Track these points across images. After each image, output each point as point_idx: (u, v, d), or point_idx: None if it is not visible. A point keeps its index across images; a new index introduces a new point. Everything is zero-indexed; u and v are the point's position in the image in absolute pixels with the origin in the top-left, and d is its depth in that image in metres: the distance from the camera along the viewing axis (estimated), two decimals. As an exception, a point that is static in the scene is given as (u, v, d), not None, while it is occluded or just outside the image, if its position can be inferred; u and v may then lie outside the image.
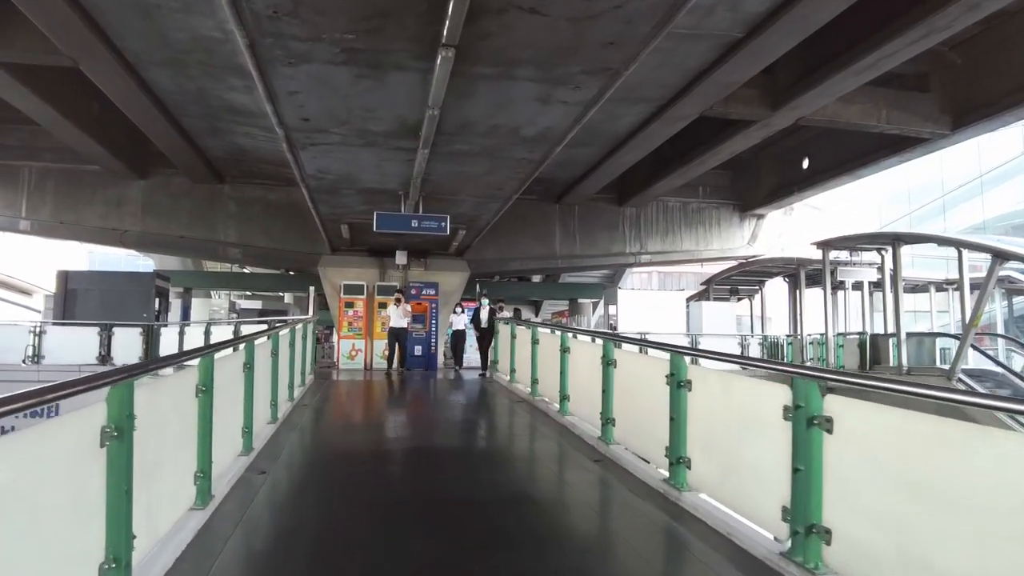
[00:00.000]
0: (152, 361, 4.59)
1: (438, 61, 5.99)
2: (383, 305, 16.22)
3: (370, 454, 6.34)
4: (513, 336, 10.68)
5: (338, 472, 5.63)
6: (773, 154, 18.97)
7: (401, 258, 16.67)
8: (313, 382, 11.23)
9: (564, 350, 7.57)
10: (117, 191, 17.50)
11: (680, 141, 14.45)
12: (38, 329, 15.76)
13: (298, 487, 5.23)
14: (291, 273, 22.97)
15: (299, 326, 9.29)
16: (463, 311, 14.56)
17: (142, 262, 28.02)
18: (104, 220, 17.44)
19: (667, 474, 4.89)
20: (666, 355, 5.07)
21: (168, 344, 15.36)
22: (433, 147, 8.57)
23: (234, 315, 26.49)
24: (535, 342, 9.09)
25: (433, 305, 16.14)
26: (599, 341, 7.01)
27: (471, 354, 16.35)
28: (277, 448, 6.17)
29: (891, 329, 17.20)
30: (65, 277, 16.60)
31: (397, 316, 13.79)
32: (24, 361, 15.09)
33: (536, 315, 33.73)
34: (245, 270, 28.71)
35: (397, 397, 11.00)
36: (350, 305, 16.08)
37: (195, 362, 4.20)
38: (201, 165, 16.03)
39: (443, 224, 11.40)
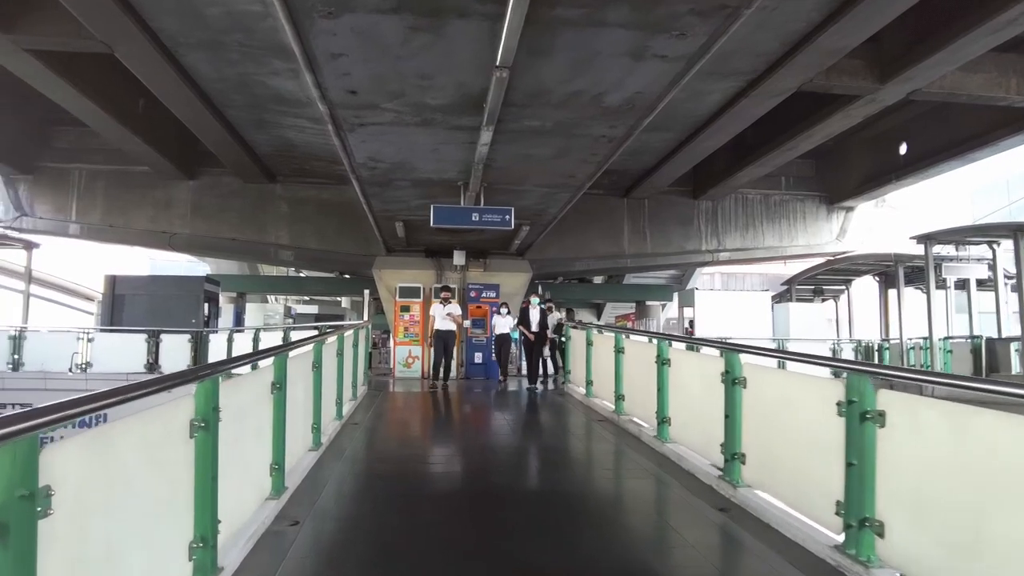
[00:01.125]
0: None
1: (511, 1, 4.72)
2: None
3: (430, 497, 5.09)
4: (589, 343, 9.33)
5: (388, 522, 4.40)
6: (865, 139, 17.13)
7: (459, 258, 15.50)
8: (366, 395, 10.12)
9: (662, 362, 6.20)
10: (166, 192, 16.90)
11: (765, 125, 12.94)
12: (86, 336, 15.14)
13: (340, 543, 4.02)
14: (346, 276, 22.13)
15: (348, 333, 8.16)
16: (508, 312, 13.27)
17: (202, 267, 27.74)
18: (153, 222, 16.85)
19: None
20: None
21: (216, 351, 14.54)
22: (498, 124, 7.31)
23: (289, 320, 25.85)
24: (619, 351, 7.72)
25: (494, 308, 14.92)
26: (706, 350, 5.67)
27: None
28: (317, 485, 5.00)
29: (1011, 332, 15.23)
30: (112, 282, 15.99)
31: (441, 318, 12.08)
32: (71, 370, 14.49)
33: (598, 318, 32.27)
34: (301, 274, 28.23)
35: (457, 417, 9.65)
36: (406, 309, 14.98)
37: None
38: (250, 163, 15.23)
39: (507, 217, 10.14)
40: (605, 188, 16.59)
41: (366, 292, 17.83)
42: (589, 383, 9.35)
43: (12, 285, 21.05)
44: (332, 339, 6.80)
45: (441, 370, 12.09)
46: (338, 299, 33.28)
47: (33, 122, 16.36)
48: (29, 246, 18.42)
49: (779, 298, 20.73)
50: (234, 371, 4.03)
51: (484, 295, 14.92)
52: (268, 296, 30.99)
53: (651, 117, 7.40)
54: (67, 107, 12.68)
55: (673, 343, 6.28)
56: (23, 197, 16.72)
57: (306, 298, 33.47)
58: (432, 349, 12.47)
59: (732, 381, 4.86)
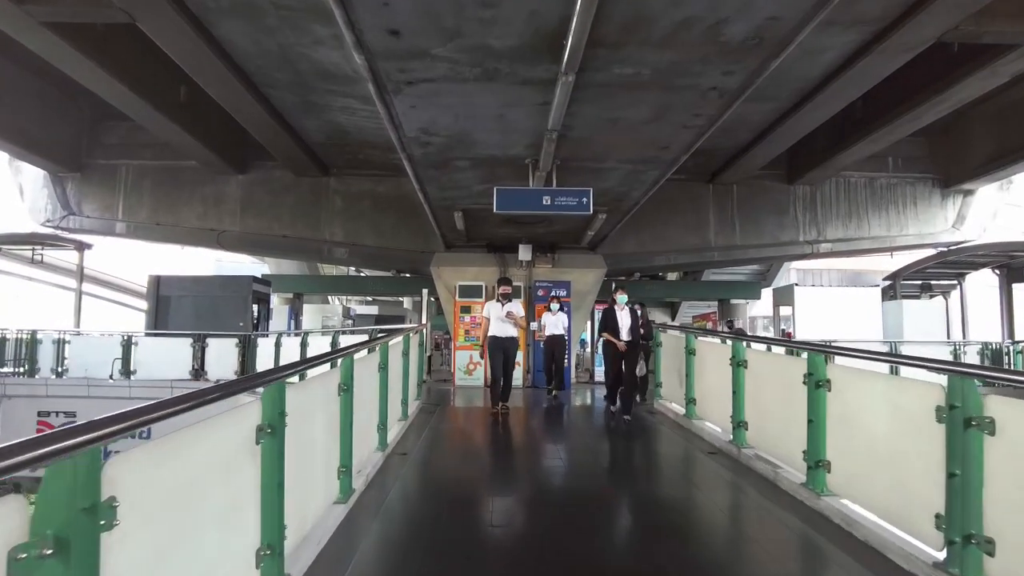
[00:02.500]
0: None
1: None
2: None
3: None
4: (690, 352, 7.60)
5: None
6: (989, 111, 14.78)
7: (525, 253, 13.94)
8: (418, 414, 8.65)
9: (815, 384, 4.47)
10: (215, 188, 15.96)
11: (880, 93, 11.04)
12: (131, 340, 14.26)
13: None
14: (405, 275, 20.87)
15: (395, 341, 6.69)
16: (560, 308, 11.22)
17: (263, 268, 27.04)
18: (202, 220, 15.91)
19: None
20: None
21: (264, 357, 13.42)
22: (581, 75, 5.70)
23: (348, 322, 24.84)
24: (739, 364, 5.99)
25: (564, 309, 13.29)
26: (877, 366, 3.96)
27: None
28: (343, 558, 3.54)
29: None
30: (157, 282, 15.10)
31: (499, 319, 9.17)
32: (111, 377, 13.59)
33: (672, 318, 30.22)
34: (361, 273, 27.22)
35: (524, 447, 7.65)
36: (466, 310, 13.49)
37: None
38: (301, 154, 14.09)
39: (584, 200, 8.50)
40: (688, 172, 14.78)
41: (424, 292, 16.52)
42: (691, 401, 7.63)
43: (68, 284, 20.60)
44: (366, 353, 5.32)
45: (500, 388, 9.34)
46: (400, 299, 32.26)
47: (82, 118, 15.67)
48: (81, 247, 17.84)
49: (885, 295, 18.36)
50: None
51: (554, 293, 13.30)
52: (329, 297, 30.19)
53: (778, 60, 5.65)
54: (100, 92, 11.70)
55: (835, 358, 4.54)
56: (71, 195, 16.01)
57: (368, 298, 32.56)
58: (489, 361, 9.43)
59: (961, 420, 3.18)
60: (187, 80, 11.74)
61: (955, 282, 19.87)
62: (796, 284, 16.83)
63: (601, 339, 8.96)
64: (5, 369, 14.79)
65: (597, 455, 6.90)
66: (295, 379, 3.69)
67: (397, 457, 5.94)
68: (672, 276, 25.74)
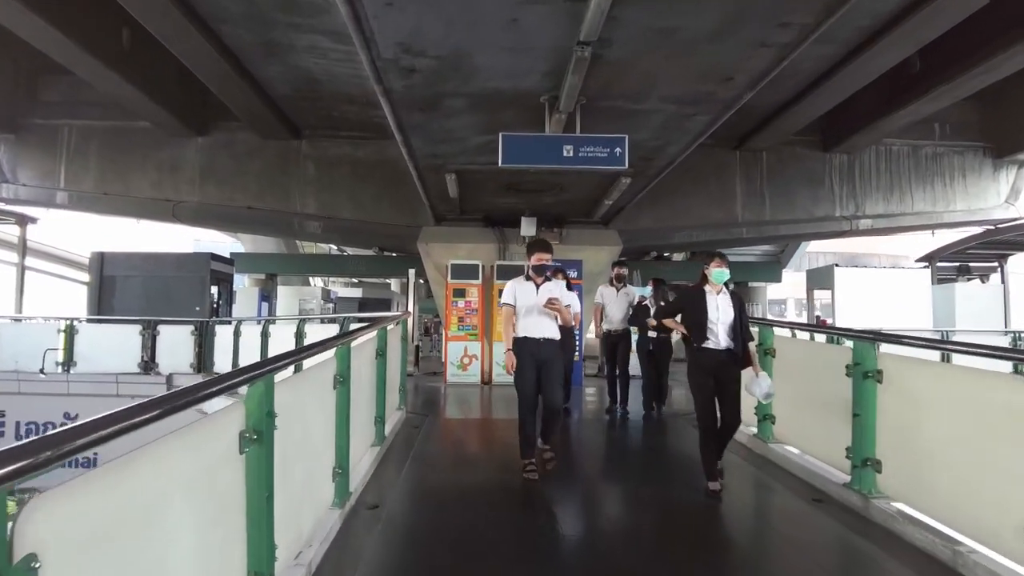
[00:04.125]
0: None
1: None
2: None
3: None
4: (768, 353, 5.66)
5: None
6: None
7: (528, 227, 11.96)
8: (401, 428, 6.64)
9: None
10: (171, 153, 13.88)
11: (939, 45, 9.24)
12: (72, 327, 12.22)
13: None
14: (390, 254, 18.84)
15: (362, 341, 4.69)
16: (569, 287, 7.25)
17: (238, 246, 24.89)
18: (156, 189, 13.83)
19: None
20: None
21: (223, 347, 11.43)
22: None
23: (330, 305, 22.79)
24: (868, 376, 4.07)
25: (576, 292, 11.37)
26: None
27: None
28: None
29: None
30: (100, 260, 13.01)
31: (533, 312, 5.39)
32: (42, 371, 11.56)
33: (677, 303, 28.29)
34: (345, 251, 25.15)
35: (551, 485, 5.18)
36: (460, 293, 11.50)
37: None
38: (266, 111, 12.09)
39: (618, 152, 6.50)
40: (714, 135, 12.72)
41: (411, 272, 14.54)
42: (767, 419, 5.71)
43: (7, 258, 18.43)
44: (323, 358, 3.40)
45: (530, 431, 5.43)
46: (387, 281, 30.21)
47: (17, 71, 13.48)
48: (24, 220, 15.70)
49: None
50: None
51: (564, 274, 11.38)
52: (310, 279, 28.10)
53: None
54: (22, 33, 9.60)
55: None
56: (3, 160, 13.85)
57: (354, 280, 30.50)
58: (517, 375, 5.33)
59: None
60: (130, 22, 9.76)
61: (995, 264, 18.05)
62: (837, 265, 14.95)
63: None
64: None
65: (652, 490, 4.97)
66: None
67: (364, 514, 3.98)
68: (679, 256, 23.86)
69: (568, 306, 5.56)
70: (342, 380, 3.72)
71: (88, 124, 13.86)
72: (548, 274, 5.64)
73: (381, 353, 5.36)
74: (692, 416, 5.61)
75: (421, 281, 15.50)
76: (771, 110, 11.82)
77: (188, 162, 13.89)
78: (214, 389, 2.09)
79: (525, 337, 5.33)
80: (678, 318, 5.33)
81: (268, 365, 2.56)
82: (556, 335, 5.45)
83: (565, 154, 6.41)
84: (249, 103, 11.78)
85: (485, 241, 12.61)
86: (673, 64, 5.76)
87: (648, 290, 7.44)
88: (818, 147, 14.27)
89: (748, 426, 5.88)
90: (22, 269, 15.42)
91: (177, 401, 1.84)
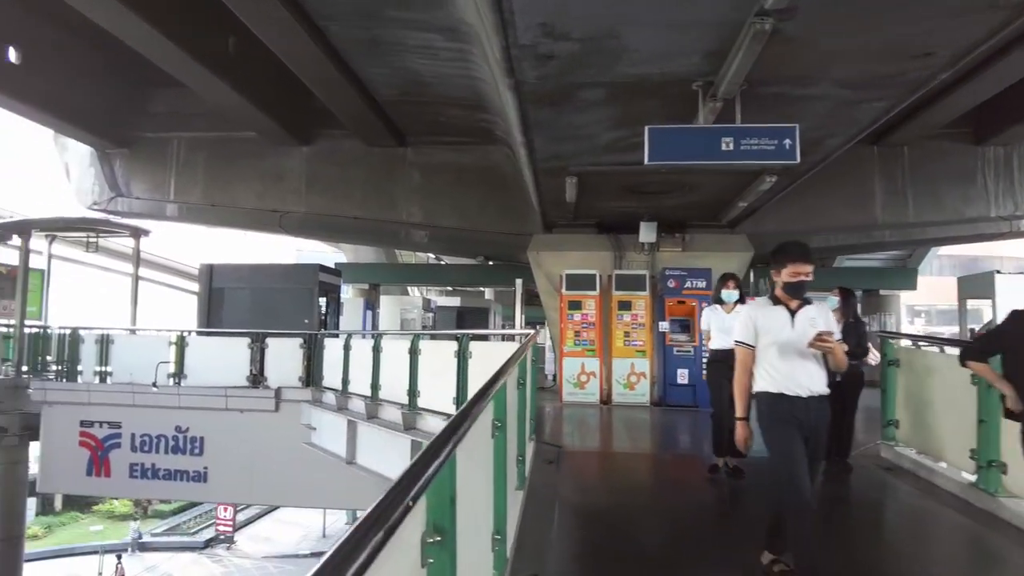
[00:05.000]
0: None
1: None
2: (624, 305, 10.65)
3: None
4: (977, 382, 4.56)
5: None
6: None
7: (647, 233, 11.03)
8: (536, 464, 5.70)
9: None
10: (276, 162, 13.75)
11: None
12: (183, 340, 12.19)
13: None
14: (491, 263, 18.27)
15: (515, 372, 3.89)
16: (739, 298, 5.98)
17: (340, 257, 25.03)
18: (261, 199, 13.72)
19: None
20: None
21: (332, 361, 11.05)
22: None
23: (429, 315, 22.48)
24: None
25: (704, 304, 10.36)
26: None
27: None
28: None
29: None
30: (210, 272, 12.96)
31: (798, 356, 3.59)
32: (155, 384, 11.52)
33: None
34: (441, 260, 24.86)
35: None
36: (576, 306, 10.69)
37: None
38: (371, 115, 11.70)
39: (788, 144, 5.53)
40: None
41: (518, 283, 13.85)
42: (990, 465, 4.60)
43: (121, 268, 18.96)
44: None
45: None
46: (481, 290, 29.78)
47: (128, 86, 13.69)
48: (137, 233, 16.01)
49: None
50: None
51: (689, 285, 10.40)
52: (408, 288, 28.02)
53: None
54: (131, 42, 9.56)
55: None
56: (119, 173, 14.12)
57: (448, 289, 30.28)
58: (774, 450, 3.60)
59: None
60: (235, 29, 9.61)
61: None
62: (998, 271, 13.25)
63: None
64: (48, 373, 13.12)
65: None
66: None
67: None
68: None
69: (840, 341, 3.72)
70: (499, 425, 2.99)
71: (195, 136, 13.94)
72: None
73: (523, 381, 4.62)
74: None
75: (529, 290, 14.84)
76: (921, 99, 10.46)
77: (292, 171, 13.74)
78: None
79: (781, 394, 3.58)
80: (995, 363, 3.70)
81: (451, 437, 1.84)
82: (825, 388, 3.64)
83: (724, 148, 5.49)
84: (354, 108, 11.44)
85: (599, 249, 11.76)
86: (860, 38, 4.77)
87: (833, 301, 6.02)
88: (969, 140, 12.67)
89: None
90: (136, 280, 15.71)
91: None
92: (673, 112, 6.06)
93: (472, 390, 6.93)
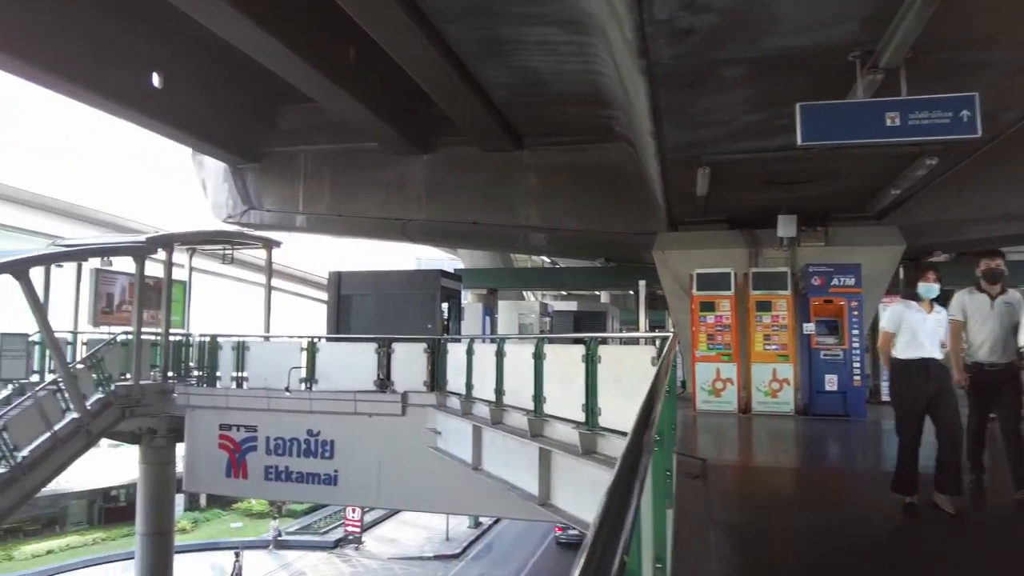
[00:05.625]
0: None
1: None
2: (763, 305, 9.89)
3: None
4: None
5: None
6: None
7: (786, 227, 10.25)
8: (679, 479, 5.06)
9: None
10: (397, 171, 13.98)
11: None
12: (314, 346, 12.54)
13: None
14: (610, 265, 17.77)
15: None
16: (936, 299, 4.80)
17: (469, 262, 25.34)
18: (384, 208, 13.99)
19: None
20: None
21: (455, 366, 10.99)
22: None
23: (547, 319, 22.25)
24: None
25: (854, 303, 9.45)
26: None
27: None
28: None
29: None
30: (338, 280, 13.26)
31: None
32: (287, 389, 11.88)
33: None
34: (557, 263, 24.63)
35: None
36: (708, 307, 10.07)
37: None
38: (488, 119, 11.63)
39: (965, 116, 4.79)
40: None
41: (641, 284, 13.36)
42: None
43: (252, 279, 19.96)
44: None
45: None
46: (596, 293, 29.28)
47: (257, 103, 14.36)
48: (269, 245, 16.76)
49: None
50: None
51: (836, 282, 9.53)
52: (524, 292, 27.96)
53: None
54: (259, 57, 9.95)
55: None
56: (251, 187, 14.82)
57: (563, 293, 29.98)
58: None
59: None
60: (355, 39, 9.84)
61: None
62: None
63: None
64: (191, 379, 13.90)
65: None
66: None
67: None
68: (942, 256, 20.24)
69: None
70: (659, 440, 2.62)
71: (321, 149, 14.43)
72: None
73: (671, 389, 4.22)
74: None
75: (630, 292, 14.28)
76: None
77: (412, 180, 13.92)
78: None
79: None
80: None
81: (633, 479, 1.52)
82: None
83: (888, 123, 4.85)
84: (472, 111, 11.41)
85: (732, 245, 11.05)
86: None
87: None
88: None
89: None
90: (269, 289, 16.41)
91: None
92: (822, 88, 5.43)
93: (601, 395, 6.64)
